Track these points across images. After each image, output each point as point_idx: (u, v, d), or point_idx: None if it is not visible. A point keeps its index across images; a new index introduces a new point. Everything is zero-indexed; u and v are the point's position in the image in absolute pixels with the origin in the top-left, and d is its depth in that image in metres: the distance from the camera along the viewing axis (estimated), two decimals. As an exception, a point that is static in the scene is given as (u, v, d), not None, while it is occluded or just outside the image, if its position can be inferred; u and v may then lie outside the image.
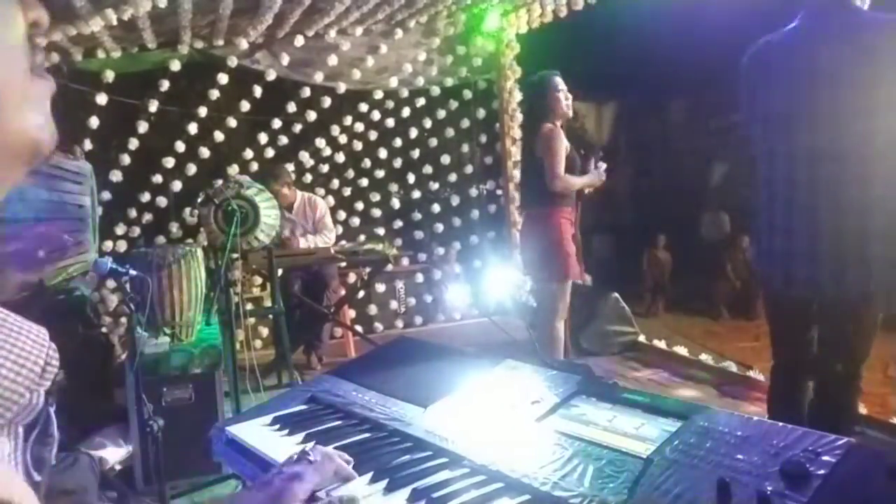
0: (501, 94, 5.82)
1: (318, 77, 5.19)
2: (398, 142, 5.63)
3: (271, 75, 5.05)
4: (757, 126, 2.36)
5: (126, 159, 4.83)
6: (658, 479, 0.93)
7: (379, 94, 5.48)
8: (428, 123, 5.67)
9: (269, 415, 1.38)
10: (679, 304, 7.18)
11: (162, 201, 5.00)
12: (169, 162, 4.95)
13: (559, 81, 3.48)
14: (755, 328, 5.49)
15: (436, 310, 5.83)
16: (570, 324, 3.57)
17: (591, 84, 7.50)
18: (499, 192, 6.02)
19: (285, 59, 5.06)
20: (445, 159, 5.82)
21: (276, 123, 5.21)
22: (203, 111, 4.96)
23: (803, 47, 2.21)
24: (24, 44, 0.46)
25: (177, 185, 5.00)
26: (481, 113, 5.87)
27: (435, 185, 5.87)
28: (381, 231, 5.72)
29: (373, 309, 5.60)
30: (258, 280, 5.18)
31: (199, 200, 3.66)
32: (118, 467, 3.04)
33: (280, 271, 4.22)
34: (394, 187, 5.79)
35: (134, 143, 4.86)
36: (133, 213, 4.92)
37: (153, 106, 4.87)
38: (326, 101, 5.26)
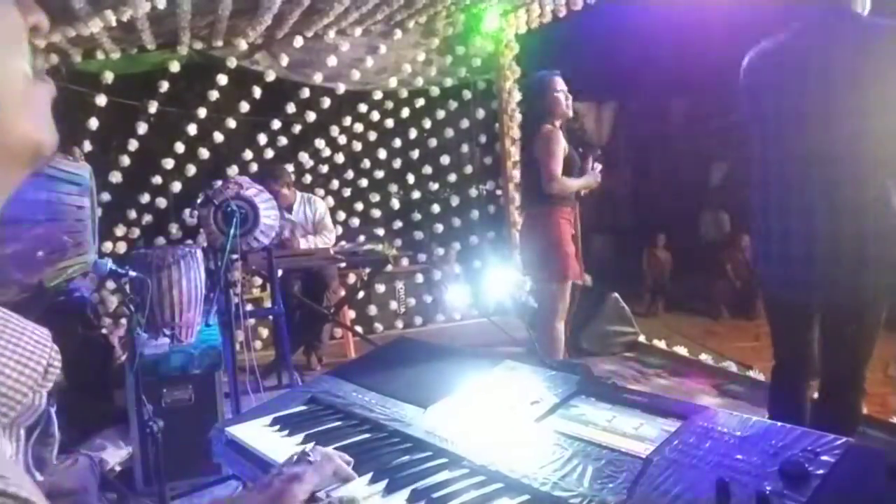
0: (501, 94, 5.82)
1: (318, 78, 5.19)
2: (398, 142, 5.63)
3: (270, 76, 5.05)
4: (754, 129, 2.36)
5: (125, 160, 4.83)
6: (657, 479, 0.93)
7: (378, 95, 5.48)
8: (427, 124, 5.67)
9: (269, 415, 1.38)
10: (679, 303, 7.17)
11: (161, 202, 5.00)
12: (168, 163, 4.95)
13: (559, 81, 3.48)
14: (755, 328, 5.49)
15: (435, 310, 5.83)
16: (569, 324, 3.57)
17: (591, 84, 7.50)
18: (498, 192, 6.02)
19: (284, 60, 5.07)
20: (445, 160, 5.82)
21: (276, 124, 5.21)
22: (202, 112, 4.97)
23: (799, 52, 2.22)
24: (25, 47, 0.47)
25: (176, 186, 5.00)
26: (481, 113, 5.87)
27: (434, 186, 5.87)
28: (380, 231, 5.72)
29: (373, 309, 5.60)
30: (258, 281, 5.18)
31: (199, 201, 3.65)
32: (118, 468, 3.04)
33: (280, 272, 4.22)
34: (393, 188, 5.79)
35: (133, 145, 4.86)
36: (133, 214, 4.92)
37: (152, 107, 4.87)
38: (326, 102, 5.26)
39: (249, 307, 4.44)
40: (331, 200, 5.39)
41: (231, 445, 1.32)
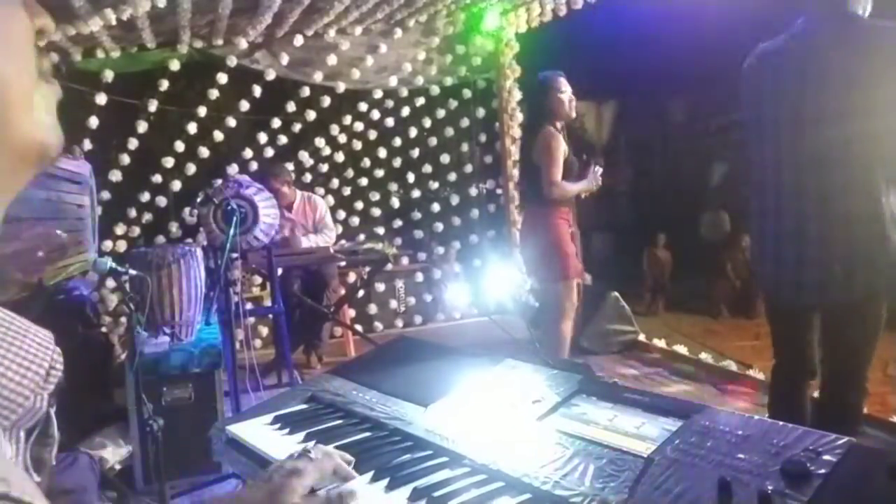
0: (501, 93, 5.82)
1: (318, 76, 5.19)
2: (398, 141, 5.63)
3: (271, 75, 5.05)
4: (753, 132, 2.36)
5: (125, 159, 4.83)
6: (659, 478, 0.93)
7: (378, 94, 5.48)
8: (427, 123, 5.67)
9: (270, 414, 1.38)
10: (679, 303, 7.17)
11: (161, 201, 4.99)
12: (168, 162, 4.95)
13: (563, 82, 3.47)
14: (755, 327, 5.49)
15: (436, 309, 5.83)
16: (576, 324, 3.57)
17: (591, 84, 7.49)
18: (498, 191, 6.02)
19: (284, 59, 5.06)
20: (445, 158, 5.81)
21: (276, 123, 5.21)
22: (202, 111, 4.96)
23: (798, 54, 2.22)
24: (32, 48, 0.47)
25: (176, 185, 5.00)
26: (481, 112, 5.86)
27: (434, 185, 5.86)
28: (380, 230, 5.72)
29: (373, 308, 5.59)
30: (258, 279, 5.18)
31: (199, 200, 3.66)
32: (118, 467, 3.03)
33: (280, 271, 4.22)
34: (393, 186, 5.78)
35: (133, 143, 4.86)
36: (133, 212, 4.92)
37: (152, 106, 4.87)
38: (326, 101, 5.26)
39: (249, 306, 4.44)
40: (331, 199, 5.39)
41: (231, 444, 1.32)
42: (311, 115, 5.25)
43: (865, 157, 2.10)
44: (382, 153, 5.61)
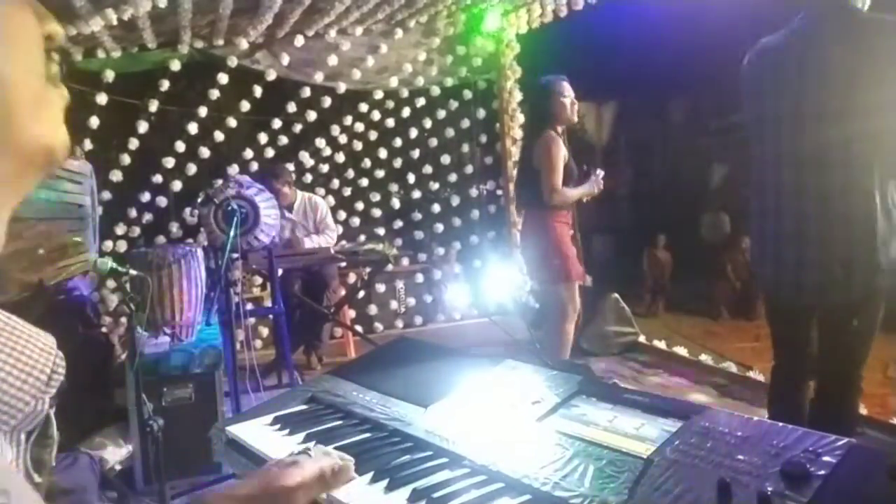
0: (501, 94, 5.82)
1: (318, 77, 5.19)
2: (398, 142, 5.63)
3: (271, 75, 5.05)
4: (753, 130, 2.36)
5: (126, 159, 4.83)
6: (658, 479, 0.93)
7: (379, 94, 5.48)
8: (428, 123, 5.67)
9: (270, 415, 1.38)
10: (679, 304, 7.17)
11: (162, 201, 4.99)
12: (169, 162, 4.95)
13: (566, 86, 3.46)
14: (755, 328, 5.49)
15: (436, 310, 5.83)
16: (578, 326, 3.57)
17: (591, 84, 7.49)
18: (499, 192, 6.02)
19: (285, 59, 5.06)
20: (445, 159, 5.82)
21: (276, 123, 5.21)
22: (203, 111, 4.96)
23: (797, 50, 2.21)
24: (41, 53, 0.47)
25: (177, 185, 5.00)
26: (481, 113, 5.87)
27: (435, 185, 5.86)
28: (381, 231, 5.72)
29: (373, 309, 5.59)
30: (258, 280, 5.18)
31: (199, 200, 3.66)
32: (118, 467, 3.03)
33: (280, 271, 4.23)
34: (394, 187, 5.78)
35: (134, 143, 4.86)
36: (133, 212, 4.92)
37: (153, 106, 4.87)
38: (326, 101, 5.26)
39: (250, 306, 4.44)
40: (331, 200, 5.39)
41: (231, 444, 1.32)
42: (312, 115, 5.25)
43: (866, 156, 2.10)
44: (383, 154, 5.61)
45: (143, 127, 4.87)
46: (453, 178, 5.89)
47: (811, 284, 2.20)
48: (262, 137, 5.18)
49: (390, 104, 5.54)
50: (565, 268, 3.42)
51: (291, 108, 5.22)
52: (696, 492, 0.89)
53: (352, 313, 5.27)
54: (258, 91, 5.06)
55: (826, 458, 0.89)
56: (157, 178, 4.98)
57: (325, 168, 5.47)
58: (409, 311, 5.77)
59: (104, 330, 4.05)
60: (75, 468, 2.67)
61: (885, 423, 3.10)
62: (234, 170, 5.06)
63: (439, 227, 5.86)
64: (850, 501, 0.89)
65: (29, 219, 2.79)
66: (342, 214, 5.46)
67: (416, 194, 5.81)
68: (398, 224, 5.82)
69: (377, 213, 5.70)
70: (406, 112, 5.58)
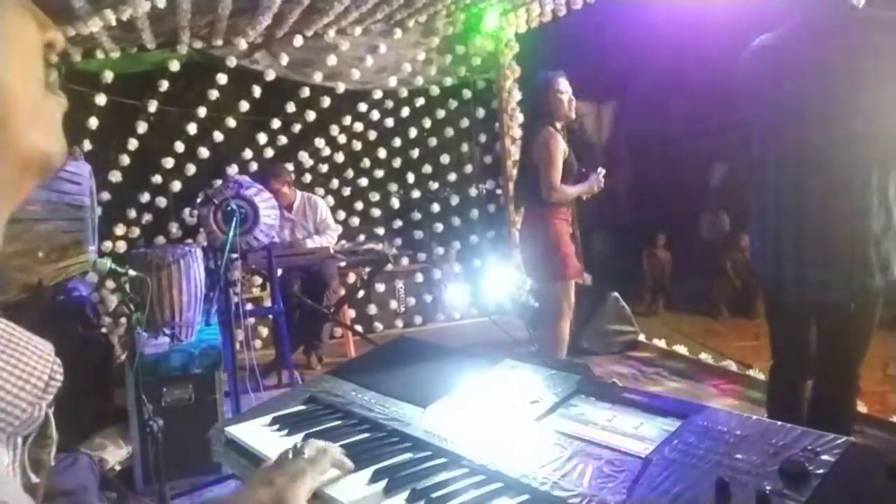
0: (501, 93, 5.82)
1: (318, 77, 5.19)
2: (397, 141, 5.63)
3: (270, 75, 5.05)
4: (753, 128, 2.36)
5: (125, 159, 4.83)
6: (657, 478, 0.93)
7: (378, 94, 5.48)
8: (427, 123, 5.67)
9: (269, 415, 1.38)
10: (679, 303, 7.17)
11: (161, 201, 4.99)
12: (168, 162, 4.95)
13: (563, 83, 3.47)
14: (755, 327, 5.49)
15: (435, 309, 5.83)
16: (572, 324, 3.57)
17: (591, 83, 7.49)
18: (498, 191, 6.02)
19: (284, 59, 5.06)
20: (445, 159, 5.82)
21: (276, 123, 5.21)
22: (202, 111, 4.96)
23: (797, 48, 2.21)
24: (41, 60, 0.47)
25: (176, 186, 5.00)
26: (481, 112, 5.87)
27: (434, 185, 5.87)
28: (380, 231, 5.72)
29: (372, 309, 5.60)
30: (258, 280, 5.18)
31: (199, 200, 3.66)
32: (118, 468, 3.04)
33: (280, 271, 4.23)
34: (393, 187, 5.79)
35: (133, 144, 4.86)
36: (132, 213, 4.92)
37: (152, 106, 4.87)
38: (325, 101, 5.26)
39: (249, 306, 4.44)
40: (331, 200, 5.39)
41: (231, 445, 1.32)
42: (311, 115, 5.25)
43: (866, 154, 2.10)
44: (382, 153, 5.61)
45: (142, 127, 4.87)
46: (453, 177, 5.89)
47: (811, 283, 2.20)
48: (262, 137, 5.18)
49: (389, 104, 5.55)
50: (563, 265, 3.42)
51: (290, 108, 5.22)
52: (694, 491, 0.89)
53: (351, 313, 5.27)
54: (257, 91, 5.06)
55: (825, 457, 0.89)
56: (157, 179, 4.98)
57: (324, 168, 5.47)
58: (409, 310, 5.77)
59: (104, 330, 4.05)
60: (75, 469, 2.66)
61: (884, 421, 3.10)
62: (233, 170, 5.06)
63: (439, 227, 5.86)
64: (848, 500, 0.89)
65: (28, 219, 2.79)
66: (342, 214, 5.46)
67: (416, 194, 5.81)
68: (398, 224, 5.82)
69: (377, 212, 5.70)
70: (405, 112, 5.58)
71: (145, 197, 4.95)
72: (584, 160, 3.70)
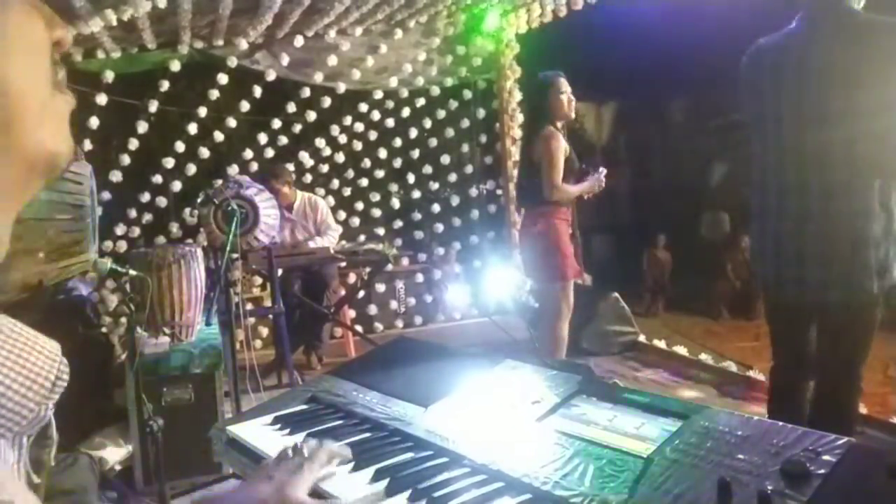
0: (501, 93, 5.83)
1: (318, 77, 5.19)
2: (398, 142, 5.64)
3: (271, 75, 5.05)
4: (753, 129, 2.36)
5: (126, 159, 4.83)
6: (658, 478, 0.93)
7: (379, 94, 5.48)
8: (428, 123, 5.68)
9: (270, 414, 1.38)
10: (679, 303, 7.17)
11: (162, 201, 5.00)
12: (169, 162, 4.95)
13: (563, 83, 3.47)
14: (755, 328, 5.50)
15: (436, 310, 5.83)
16: (571, 324, 3.57)
17: (591, 84, 7.49)
18: (499, 192, 6.03)
19: (285, 60, 5.06)
20: (445, 159, 5.82)
21: (276, 123, 5.21)
22: (203, 111, 4.97)
23: (796, 49, 2.21)
24: (48, 59, 0.47)
25: (177, 186, 5.00)
26: (481, 113, 5.87)
27: (435, 185, 5.87)
28: (381, 231, 5.72)
29: (373, 309, 5.60)
30: (258, 280, 5.18)
31: (199, 200, 3.66)
32: (118, 467, 3.04)
33: (280, 271, 4.23)
34: (394, 187, 5.79)
35: (134, 144, 4.86)
36: (133, 213, 4.92)
37: (153, 106, 4.87)
38: (326, 102, 5.26)
39: (249, 306, 4.44)
40: (331, 200, 5.39)
41: (231, 444, 1.32)
42: (312, 115, 5.25)
43: (866, 156, 2.10)
44: (383, 154, 5.61)
45: (142, 127, 4.87)
46: (453, 177, 5.89)
47: (811, 284, 2.20)
48: (262, 137, 5.18)
49: (390, 104, 5.55)
50: (562, 266, 3.42)
51: (291, 108, 5.22)
52: (696, 491, 0.89)
53: (352, 313, 5.28)
54: (258, 91, 5.06)
55: (826, 458, 0.89)
56: (157, 179, 4.98)
57: (324, 168, 5.47)
58: (409, 310, 5.77)
59: (104, 330, 4.05)
60: (75, 469, 2.66)
61: (885, 422, 3.11)
62: (233, 170, 5.06)
63: (439, 227, 5.86)
64: (849, 500, 0.89)
65: (29, 219, 2.79)
66: (342, 214, 5.46)
67: (416, 194, 5.81)
68: (398, 224, 5.82)
69: (377, 213, 5.70)
70: (406, 112, 5.58)
71: (146, 197, 4.95)
72: (585, 160, 3.71)
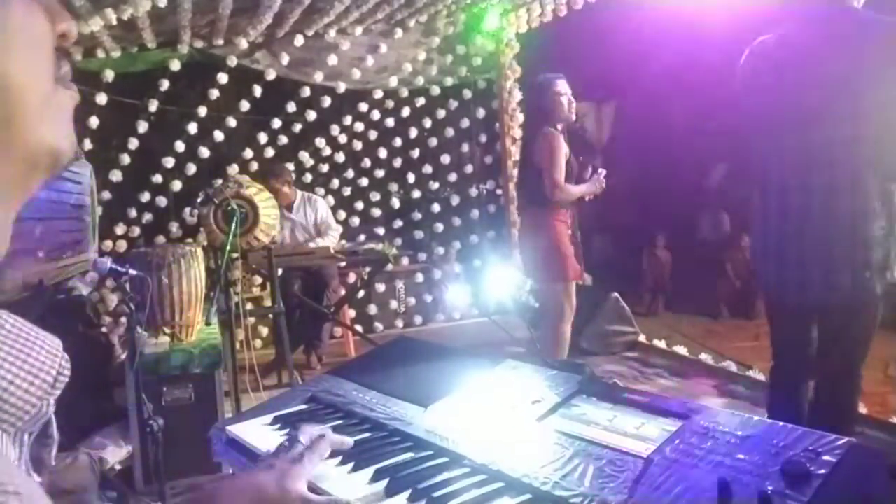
0: (501, 93, 5.82)
1: (318, 77, 5.19)
2: (398, 141, 5.63)
3: (271, 75, 5.05)
4: (753, 129, 2.36)
5: (126, 159, 4.83)
6: (658, 478, 0.93)
7: (379, 94, 5.48)
8: (428, 123, 5.67)
9: (270, 414, 1.38)
10: (679, 303, 7.16)
11: (162, 201, 5.00)
12: (169, 162, 4.95)
13: (562, 84, 3.48)
14: (755, 328, 5.49)
15: (436, 309, 5.83)
16: (572, 324, 3.57)
17: (591, 84, 7.49)
18: (499, 191, 6.02)
19: (285, 59, 5.06)
20: (445, 159, 5.82)
21: (276, 123, 5.21)
22: (203, 111, 4.97)
23: (796, 49, 2.21)
24: (51, 53, 0.47)
25: (177, 185, 5.00)
26: (481, 112, 5.87)
27: (435, 185, 5.87)
28: (381, 231, 5.72)
29: (373, 309, 5.59)
30: (258, 280, 5.18)
31: (199, 200, 3.66)
32: (118, 467, 3.04)
33: (280, 271, 4.23)
34: (394, 187, 5.79)
35: (134, 143, 4.86)
36: (133, 212, 4.92)
37: (153, 106, 4.87)
38: (326, 101, 5.26)
39: (249, 306, 4.44)
40: (331, 199, 5.39)
41: (231, 444, 1.32)
42: (312, 115, 5.25)
43: (866, 156, 2.10)
44: (383, 153, 5.61)
45: (142, 127, 4.87)
46: (453, 177, 5.89)
47: (812, 284, 2.20)
48: (262, 137, 5.18)
49: (390, 104, 5.55)
50: (563, 267, 3.42)
51: (291, 107, 5.22)
52: (695, 491, 0.89)
53: (352, 313, 5.28)
54: (258, 91, 5.06)
55: (826, 458, 0.89)
56: (157, 178, 4.98)
57: (324, 168, 5.47)
58: (409, 310, 5.77)
59: (104, 330, 4.05)
60: (75, 468, 2.67)
61: (885, 422, 3.11)
62: (233, 169, 5.06)
63: (439, 227, 5.86)
64: (850, 500, 0.89)
65: (28, 219, 2.79)
66: (342, 214, 5.46)
67: (416, 194, 5.81)
68: (398, 224, 5.82)
69: (377, 212, 5.70)
70: (406, 112, 5.58)
71: (146, 196, 4.95)
72: (585, 160, 3.71)
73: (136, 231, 4.92)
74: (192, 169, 5.00)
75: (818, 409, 2.33)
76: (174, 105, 5.01)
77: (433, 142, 5.74)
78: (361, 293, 5.42)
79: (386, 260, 4.52)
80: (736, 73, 2.40)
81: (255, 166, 5.17)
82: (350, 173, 5.59)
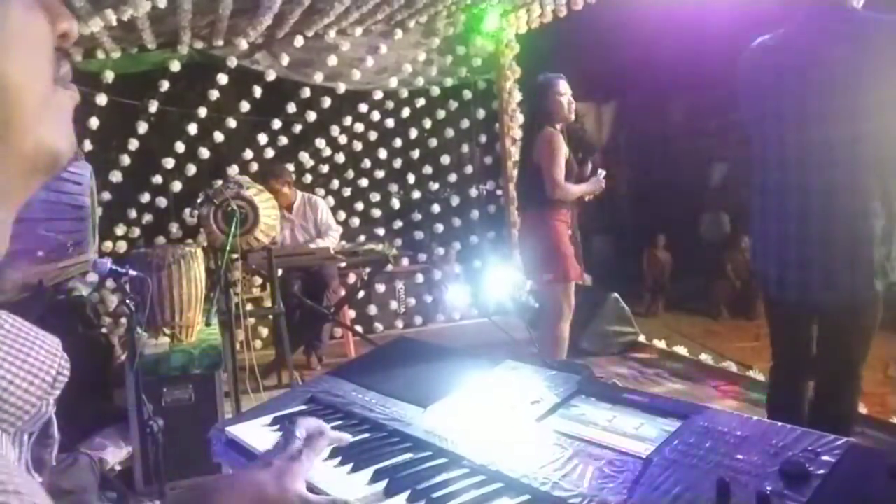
0: (501, 94, 5.82)
1: (318, 77, 5.19)
2: (398, 142, 5.64)
3: (271, 76, 5.05)
4: (753, 130, 2.36)
5: (126, 160, 4.83)
6: (657, 478, 0.93)
7: (379, 95, 5.49)
8: (428, 124, 5.68)
9: (270, 415, 1.38)
10: (679, 303, 7.17)
11: (162, 202, 5.00)
12: (169, 162, 4.95)
13: (562, 84, 3.48)
14: (755, 328, 5.49)
15: (436, 310, 5.83)
16: (571, 324, 3.58)
17: (591, 84, 7.50)
18: (499, 192, 6.02)
19: (285, 60, 5.07)
20: (445, 159, 5.82)
21: (276, 124, 5.21)
22: (203, 111, 4.97)
23: (796, 48, 2.21)
24: (50, 53, 0.46)
25: (177, 186, 5.00)
26: (481, 113, 5.87)
27: (435, 186, 5.87)
28: (381, 231, 5.72)
29: (373, 309, 5.59)
30: (258, 280, 5.18)
31: (199, 201, 3.66)
32: (118, 468, 3.04)
33: (280, 271, 4.23)
34: (394, 187, 5.79)
35: (134, 144, 4.86)
36: (133, 213, 4.92)
37: (153, 106, 4.87)
38: (326, 102, 5.26)
39: (249, 307, 4.44)
40: (331, 200, 5.39)
41: (231, 445, 1.32)
42: (312, 115, 5.25)
43: (867, 156, 2.10)
44: (383, 154, 5.61)
45: (142, 127, 4.88)
46: (453, 178, 5.89)
47: (812, 284, 2.20)
48: (262, 138, 5.18)
49: (390, 104, 5.55)
50: (563, 267, 3.42)
51: (291, 108, 5.22)
52: (695, 491, 0.89)
53: (352, 313, 5.27)
54: (258, 91, 5.07)
55: (825, 458, 0.89)
56: (157, 179, 4.98)
57: (324, 168, 5.47)
58: (409, 311, 5.77)
59: (104, 330, 4.05)
60: (75, 469, 2.67)
61: (884, 422, 3.11)
62: (233, 170, 5.06)
63: (439, 228, 5.86)
64: (849, 501, 0.89)
65: (28, 220, 2.79)
66: (342, 214, 5.46)
67: (416, 194, 5.81)
68: (398, 224, 5.82)
69: (377, 213, 5.70)
70: (406, 112, 5.59)
71: (146, 197, 4.95)
72: (585, 159, 3.71)
73: (136, 232, 4.92)
74: (192, 170, 5.00)
75: (818, 409, 2.33)
76: (174, 106, 5.01)
77: (433, 142, 5.74)
78: (361, 294, 5.42)
79: (386, 260, 4.52)
80: (736, 74, 2.40)
81: (255, 167, 5.17)
82: (350, 174, 5.59)
